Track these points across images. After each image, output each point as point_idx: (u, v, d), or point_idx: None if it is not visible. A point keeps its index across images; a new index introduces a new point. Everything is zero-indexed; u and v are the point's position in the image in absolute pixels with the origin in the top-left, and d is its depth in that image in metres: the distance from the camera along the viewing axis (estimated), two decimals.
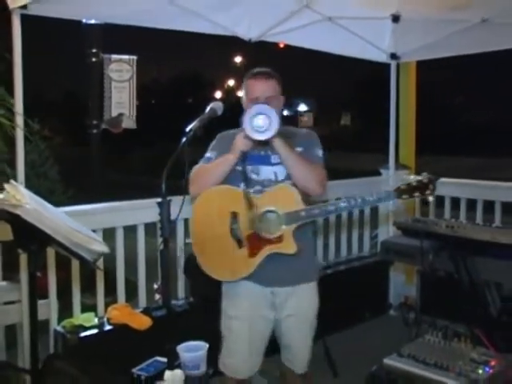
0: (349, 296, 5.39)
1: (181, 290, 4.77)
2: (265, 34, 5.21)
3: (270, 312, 3.38)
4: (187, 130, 2.83)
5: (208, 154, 3.25)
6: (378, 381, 3.35)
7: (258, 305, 3.36)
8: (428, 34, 5.53)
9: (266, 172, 3.29)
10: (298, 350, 3.49)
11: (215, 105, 3.04)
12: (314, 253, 4.09)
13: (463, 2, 3.97)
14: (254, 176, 3.27)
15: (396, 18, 5.50)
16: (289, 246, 3.17)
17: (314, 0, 4.83)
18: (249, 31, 5.15)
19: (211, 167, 3.21)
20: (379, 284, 6.05)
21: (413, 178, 3.08)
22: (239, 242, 3.20)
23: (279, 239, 3.18)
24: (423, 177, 3.06)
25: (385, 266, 6.02)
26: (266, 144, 3.21)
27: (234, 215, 3.20)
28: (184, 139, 2.77)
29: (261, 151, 3.29)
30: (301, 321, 3.45)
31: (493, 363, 3.15)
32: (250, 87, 3.33)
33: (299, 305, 3.41)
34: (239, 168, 3.24)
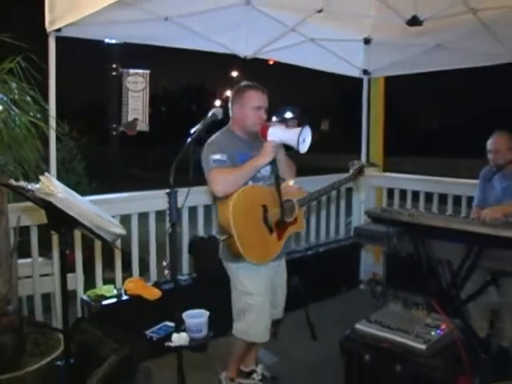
0: (327, 272, 5.44)
1: (185, 267, 4.80)
2: (258, 52, 5.23)
3: (275, 280, 3.56)
4: (192, 131, 2.85)
5: (218, 157, 3.20)
6: (350, 343, 3.37)
7: (271, 278, 3.51)
8: (394, 55, 5.59)
9: (263, 170, 3.38)
10: (281, 307, 3.73)
11: (216, 110, 3.06)
12: None
13: (421, 30, 4.00)
14: (257, 174, 3.35)
15: (367, 41, 5.54)
16: (302, 225, 3.56)
17: (299, 24, 4.84)
18: (245, 50, 5.17)
19: (242, 171, 3.22)
20: (352, 263, 6.08)
21: (357, 162, 3.92)
22: (270, 229, 3.32)
23: (295, 221, 3.45)
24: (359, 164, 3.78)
25: (357, 248, 6.05)
26: (256, 148, 3.35)
27: (265, 207, 3.30)
28: (189, 139, 2.79)
29: (249, 152, 3.36)
30: (285, 282, 3.73)
31: (443, 326, 3.17)
32: (251, 97, 3.38)
33: (283, 268, 3.68)
34: None
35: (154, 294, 4.21)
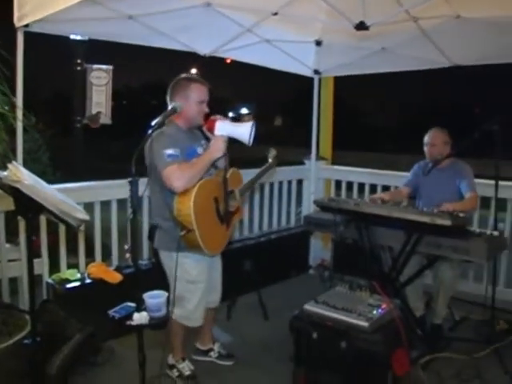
0: (278, 258, 5.50)
1: (145, 253, 4.79)
2: (216, 51, 5.24)
3: (212, 268, 3.55)
4: (152, 123, 2.79)
5: (172, 152, 3.09)
6: (299, 322, 3.42)
7: (209, 265, 3.50)
8: (343, 56, 5.67)
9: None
10: (220, 288, 3.73)
11: (176, 104, 3.04)
12: None
13: (368, 34, 4.08)
14: None
15: (319, 43, 5.60)
16: (242, 214, 3.46)
17: (255, 26, 4.86)
18: (204, 48, 5.18)
19: (199, 166, 3.14)
20: (302, 249, 6.16)
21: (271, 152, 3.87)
22: (222, 220, 3.32)
23: (238, 209, 3.47)
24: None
25: (306, 236, 6.10)
26: (196, 139, 3.41)
27: (216, 200, 3.29)
28: (150, 131, 2.74)
29: (200, 147, 3.38)
30: (220, 265, 3.72)
31: (384, 306, 3.24)
32: (197, 91, 3.31)
33: (218, 256, 3.67)
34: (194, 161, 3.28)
35: (115, 277, 4.20)
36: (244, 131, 3.20)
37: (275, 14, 4.40)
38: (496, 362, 3.76)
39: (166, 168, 3.07)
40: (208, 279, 3.50)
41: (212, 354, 3.89)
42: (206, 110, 3.36)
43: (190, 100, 3.29)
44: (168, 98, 3.34)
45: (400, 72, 5.63)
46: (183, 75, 3.42)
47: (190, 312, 3.42)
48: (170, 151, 3.09)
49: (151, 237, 3.44)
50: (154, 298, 2.68)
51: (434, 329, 4.25)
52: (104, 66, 4.95)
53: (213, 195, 3.27)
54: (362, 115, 39.80)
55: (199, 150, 3.35)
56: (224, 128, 3.25)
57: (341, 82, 6.52)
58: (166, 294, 2.76)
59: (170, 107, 2.99)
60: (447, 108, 30.76)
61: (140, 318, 2.59)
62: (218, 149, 3.19)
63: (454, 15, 4.33)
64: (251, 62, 5.68)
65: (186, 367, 3.59)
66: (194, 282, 3.39)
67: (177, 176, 3.05)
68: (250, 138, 3.19)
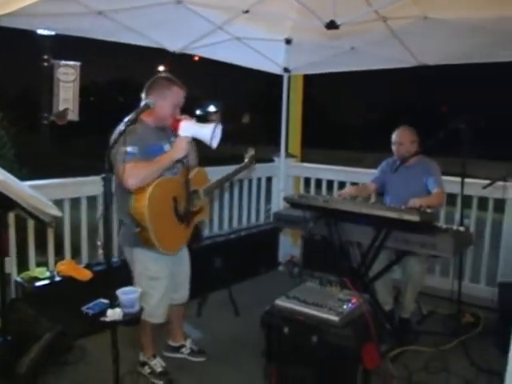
0: (248, 255, 5.52)
1: (115, 250, 4.75)
2: (186, 48, 5.22)
3: (174, 264, 3.53)
4: (125, 120, 2.79)
5: (130, 149, 3.05)
6: (270, 317, 3.45)
7: (174, 263, 3.50)
8: (312, 55, 5.72)
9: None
10: (188, 284, 3.72)
11: (149, 101, 3.03)
12: None
13: (338, 33, 4.14)
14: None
15: (288, 41, 5.63)
16: (206, 214, 3.42)
17: (226, 23, 4.87)
18: (174, 45, 5.16)
19: (156, 165, 3.14)
20: (272, 246, 6.18)
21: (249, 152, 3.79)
22: (181, 220, 3.30)
23: (200, 210, 3.40)
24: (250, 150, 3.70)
25: (276, 232, 6.14)
26: (165, 137, 3.39)
27: (175, 199, 3.27)
28: (123, 128, 2.71)
29: (168, 144, 3.37)
30: (188, 261, 3.70)
31: (353, 300, 3.29)
32: (177, 95, 3.33)
33: (186, 254, 3.68)
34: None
35: (85, 275, 4.17)
36: (206, 132, 3.18)
37: (246, 11, 4.43)
38: (462, 354, 3.88)
39: (122, 165, 3.02)
40: (171, 275, 3.50)
41: (184, 350, 3.90)
42: (178, 114, 3.36)
43: (167, 101, 3.29)
44: (143, 95, 3.32)
45: (369, 70, 5.71)
46: (164, 74, 3.43)
47: (153, 308, 3.41)
48: (128, 148, 3.05)
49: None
50: (127, 294, 2.68)
51: (403, 323, 4.33)
52: (71, 62, 4.89)
53: (172, 194, 3.25)
54: (331, 114, 40.08)
55: (166, 148, 3.34)
56: (188, 129, 3.24)
57: (310, 81, 6.58)
58: (139, 289, 2.76)
59: (142, 103, 2.96)
60: (414, 106, 31.20)
61: (114, 314, 2.59)
62: (180, 149, 3.19)
63: (421, 16, 4.43)
64: (221, 59, 5.68)
65: (158, 364, 3.59)
66: (155, 279, 3.39)
67: (131, 174, 3.03)
68: (211, 139, 3.18)
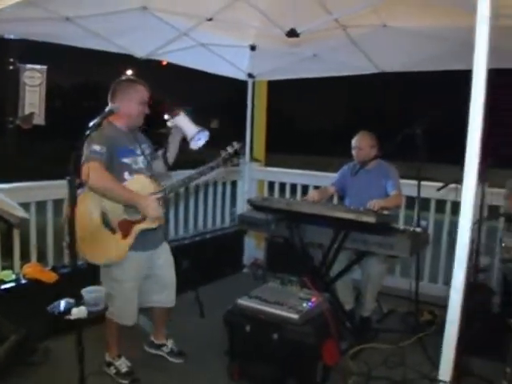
0: (214, 257, 5.59)
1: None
2: (153, 54, 5.28)
3: (149, 268, 3.56)
4: (90, 124, 2.77)
5: (98, 148, 3.12)
6: (232, 316, 3.54)
7: (145, 266, 3.52)
8: (276, 61, 5.82)
9: (141, 163, 3.43)
10: (172, 287, 3.73)
11: (113, 106, 3.08)
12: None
13: (300, 40, 4.25)
14: (134, 166, 3.38)
15: (253, 48, 5.68)
16: (151, 222, 3.33)
17: (191, 30, 4.93)
18: (141, 51, 5.21)
19: (121, 192, 3.20)
20: (236, 248, 6.26)
21: (230, 148, 3.58)
22: (112, 230, 3.29)
23: (144, 219, 3.32)
24: (235, 145, 3.56)
25: (241, 235, 6.22)
26: (136, 141, 3.44)
27: (103, 213, 3.28)
28: (88, 132, 2.71)
29: (139, 149, 3.44)
30: (170, 265, 3.71)
31: (313, 299, 3.41)
32: (140, 92, 3.39)
33: (166, 256, 3.68)
34: (126, 161, 3.33)
35: (50, 277, 4.17)
36: (193, 130, 3.41)
37: (210, 19, 4.51)
38: (420, 350, 4.02)
39: (86, 162, 3.09)
40: (145, 278, 3.56)
41: (164, 349, 3.94)
42: (147, 110, 3.45)
43: (133, 100, 3.37)
44: (109, 98, 3.39)
45: (333, 76, 5.83)
46: (125, 77, 3.50)
47: (118, 310, 3.45)
48: (96, 147, 3.12)
49: None
50: (92, 292, 2.73)
51: (363, 321, 4.47)
52: (38, 66, 4.89)
53: (100, 207, 3.26)
54: (298, 119, 40.28)
55: (138, 151, 3.43)
56: (182, 120, 3.49)
57: (277, 86, 6.68)
58: (104, 288, 2.82)
59: (107, 108, 3.02)
60: (377, 112, 31.63)
61: (78, 312, 2.63)
62: (147, 209, 3.23)
63: (381, 24, 4.57)
64: (187, 65, 5.74)
65: (123, 364, 3.63)
66: (118, 281, 3.42)
67: (97, 175, 3.10)
68: (193, 138, 3.36)
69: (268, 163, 6.81)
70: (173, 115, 3.50)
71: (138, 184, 3.31)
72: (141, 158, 3.44)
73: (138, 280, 3.52)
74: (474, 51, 2.04)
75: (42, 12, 3.95)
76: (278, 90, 7.02)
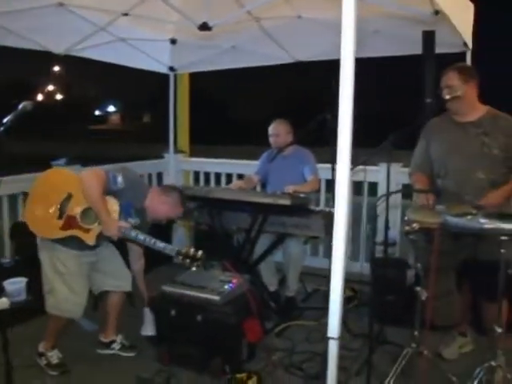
0: (143, 248, 5.59)
1: (8, 251, 4.74)
2: (71, 50, 5.25)
3: (94, 262, 3.61)
4: (4, 121, 2.80)
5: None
6: (158, 302, 3.66)
7: (83, 261, 3.54)
8: (197, 54, 5.92)
9: None
10: (126, 274, 3.83)
11: (26, 103, 3.10)
12: None
13: (217, 33, 4.37)
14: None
15: (173, 41, 5.80)
16: (90, 239, 3.41)
17: (109, 25, 4.93)
18: (58, 47, 5.19)
19: (97, 200, 3.32)
20: (166, 239, 6.13)
21: (192, 251, 3.41)
22: (60, 213, 3.36)
23: (87, 231, 3.40)
24: (198, 254, 3.38)
25: (169, 225, 6.13)
26: None
27: (69, 195, 3.37)
28: (1, 129, 2.76)
29: None
30: (116, 255, 3.81)
31: (234, 281, 3.57)
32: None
33: (110, 249, 3.75)
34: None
35: None
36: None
37: (125, 14, 4.57)
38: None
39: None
40: (83, 273, 3.55)
41: (115, 345, 3.93)
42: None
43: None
44: None
45: (269, 66, 5.92)
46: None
47: (59, 303, 3.47)
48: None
49: (13, 235, 3.44)
50: (14, 284, 2.78)
51: (288, 301, 4.65)
52: None
53: (68, 189, 3.40)
54: (232, 110, 40.45)
55: None
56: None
57: (208, 79, 6.76)
58: (25, 279, 2.86)
59: (20, 106, 3.04)
60: (308, 100, 32.19)
61: (1, 303, 2.68)
62: (109, 224, 3.36)
63: (295, 15, 4.75)
64: (107, 60, 5.74)
65: (55, 356, 3.64)
66: (60, 274, 3.44)
67: (94, 175, 3.33)
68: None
69: (202, 154, 6.94)
70: None
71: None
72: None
73: (82, 273, 3.53)
74: (342, 39, 2.19)
75: None
76: (212, 81, 7.12)
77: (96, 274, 3.65)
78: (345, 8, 2.15)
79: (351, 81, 2.17)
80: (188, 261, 3.36)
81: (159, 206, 3.64)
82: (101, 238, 3.44)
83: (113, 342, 3.95)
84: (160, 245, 3.47)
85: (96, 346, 3.96)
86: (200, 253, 3.37)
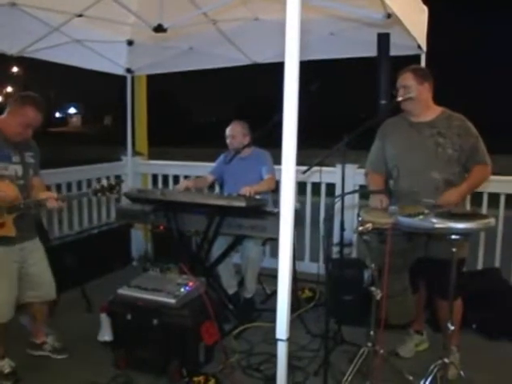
0: (101, 252, 5.56)
1: None
2: (24, 51, 5.12)
3: (21, 267, 3.52)
4: None
5: None
6: (114, 306, 3.62)
7: (15, 261, 3.47)
8: (154, 56, 5.90)
9: (11, 169, 3.40)
10: (50, 283, 3.70)
11: None
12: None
13: (174, 34, 4.36)
14: (4, 172, 3.34)
15: (130, 43, 5.76)
16: (9, 231, 3.33)
17: (64, 26, 4.84)
18: (10, 48, 5.04)
19: None
20: (124, 242, 6.27)
21: (105, 182, 3.42)
22: None
23: (2, 225, 3.31)
24: (113, 181, 3.43)
25: (127, 228, 6.22)
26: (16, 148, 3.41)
27: None
28: None
29: (17, 155, 3.43)
30: (44, 261, 3.68)
31: (190, 284, 3.55)
32: (26, 116, 3.37)
33: (39, 254, 3.65)
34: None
35: None
36: None
37: (80, 15, 4.51)
38: (300, 325, 4.29)
39: None
40: (12, 275, 3.47)
41: (46, 347, 3.90)
42: (28, 135, 3.44)
43: (16, 119, 3.36)
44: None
45: (223, 68, 5.90)
46: (26, 93, 3.46)
47: None
48: None
49: None
50: None
51: (246, 302, 4.65)
52: None
53: None
54: (195, 113, 40.43)
55: (14, 159, 3.40)
56: None
57: (171, 81, 6.75)
58: None
59: None
60: (269, 101, 32.38)
61: None
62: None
63: (252, 17, 4.76)
64: (63, 62, 5.61)
65: (6, 365, 3.58)
66: None
67: None
68: None
69: (161, 157, 6.90)
70: None
71: None
72: (16, 166, 3.41)
73: (8, 275, 3.44)
74: (286, 39, 2.20)
75: None
76: (176, 84, 7.10)
77: (21, 282, 3.56)
78: (289, 9, 2.15)
79: (296, 82, 2.18)
80: (108, 193, 3.43)
81: (5, 127, 3.40)
82: (20, 224, 3.37)
83: (44, 343, 3.94)
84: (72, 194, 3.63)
85: (29, 347, 3.94)
86: (113, 180, 3.50)
